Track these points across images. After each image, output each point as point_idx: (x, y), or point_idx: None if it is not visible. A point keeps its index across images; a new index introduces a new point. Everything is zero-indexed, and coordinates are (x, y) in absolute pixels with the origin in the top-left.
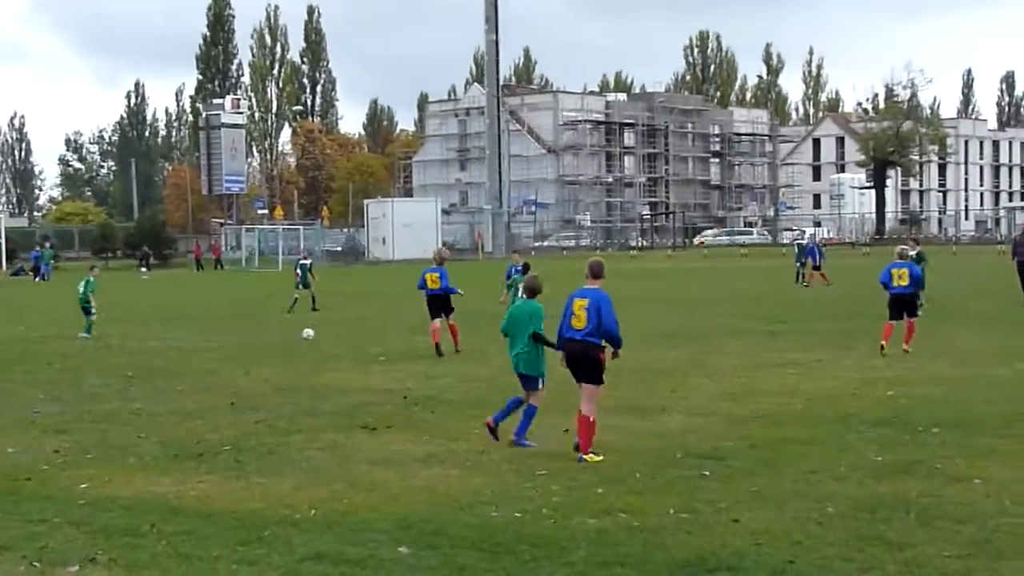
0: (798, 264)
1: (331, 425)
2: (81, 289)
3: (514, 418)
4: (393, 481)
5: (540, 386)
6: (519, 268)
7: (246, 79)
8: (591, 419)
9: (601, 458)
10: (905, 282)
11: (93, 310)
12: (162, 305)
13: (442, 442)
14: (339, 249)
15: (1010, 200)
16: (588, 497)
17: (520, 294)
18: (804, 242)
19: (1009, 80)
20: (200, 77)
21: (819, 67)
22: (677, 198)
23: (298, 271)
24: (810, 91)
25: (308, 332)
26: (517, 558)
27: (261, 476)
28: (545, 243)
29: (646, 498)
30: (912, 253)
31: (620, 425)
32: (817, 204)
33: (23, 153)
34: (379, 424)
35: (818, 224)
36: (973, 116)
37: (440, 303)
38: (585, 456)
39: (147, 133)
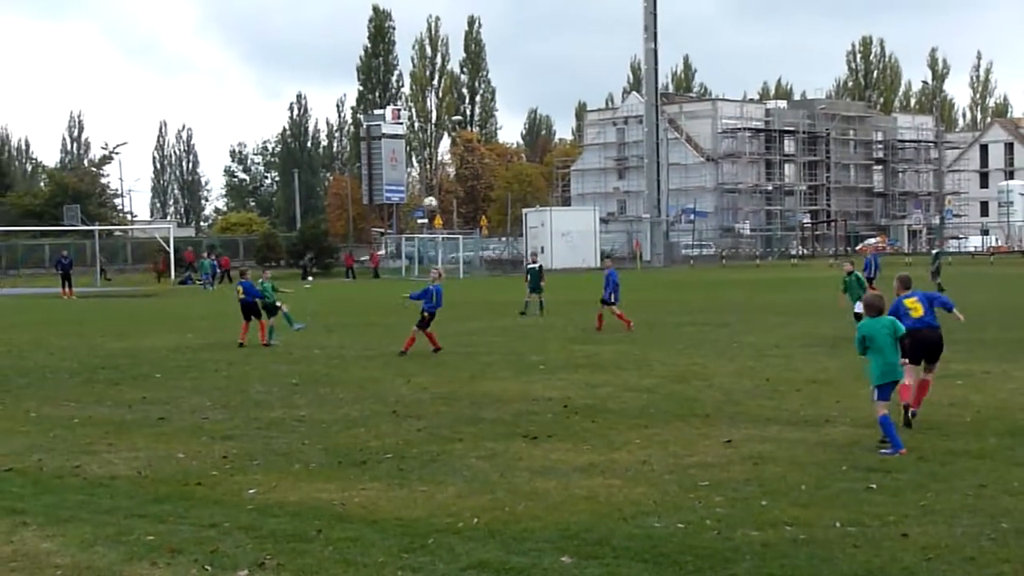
0: (933, 272)
1: (491, 434)
2: (267, 290)
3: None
4: (555, 490)
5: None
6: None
7: (406, 90)
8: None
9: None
10: None
11: (280, 305)
12: (324, 313)
13: (603, 452)
14: (499, 257)
15: None
16: (752, 509)
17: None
18: (936, 251)
19: None
20: (361, 88)
21: (987, 72)
22: (839, 206)
23: (528, 275)
24: (977, 96)
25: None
26: (681, 569)
27: (424, 484)
28: (702, 251)
29: (812, 511)
30: None
31: (784, 436)
32: (985, 212)
33: (190, 164)
34: (540, 433)
35: (985, 232)
36: None
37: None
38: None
39: (309, 144)
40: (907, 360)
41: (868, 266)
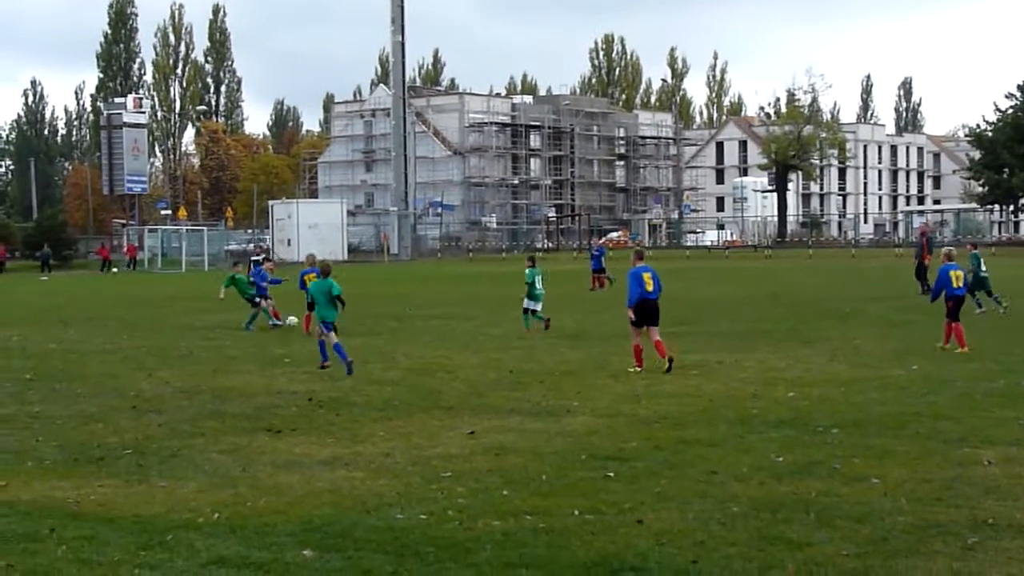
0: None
1: (234, 428)
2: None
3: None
4: (297, 484)
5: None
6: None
7: (148, 78)
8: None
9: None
10: (961, 283)
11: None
12: (62, 307)
13: (347, 445)
14: (243, 249)
15: (907, 204)
16: (493, 499)
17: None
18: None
19: (907, 86)
20: (101, 75)
21: (723, 71)
22: (583, 200)
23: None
24: (713, 95)
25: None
26: (422, 560)
27: (163, 480)
28: (448, 244)
29: (551, 500)
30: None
31: (525, 427)
32: (721, 207)
33: None
34: (283, 427)
35: (721, 227)
36: (872, 121)
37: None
38: (671, 359)
39: (46, 131)
40: (635, 324)
41: (596, 257)
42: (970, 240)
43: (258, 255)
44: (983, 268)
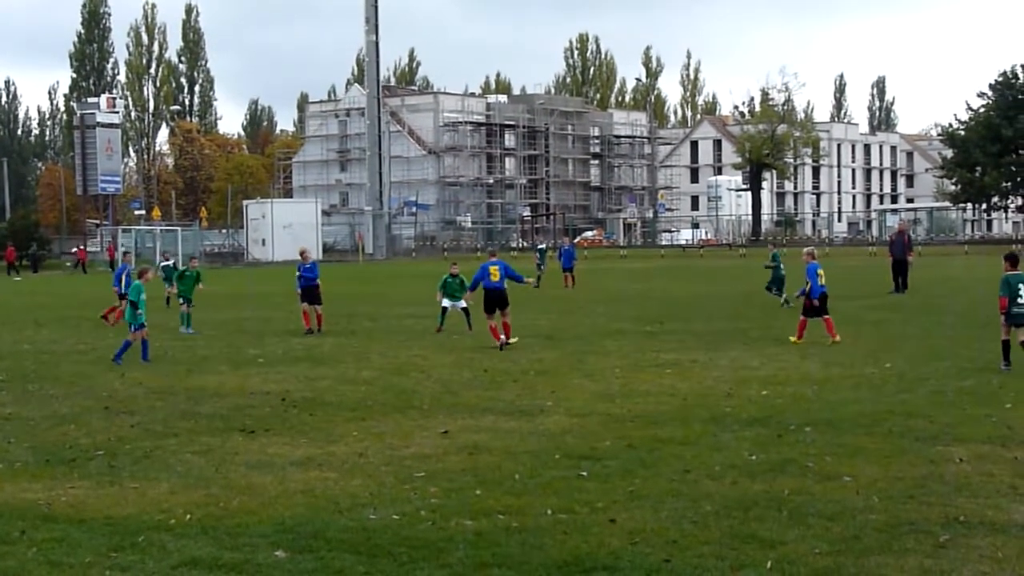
0: (539, 267)
1: (207, 428)
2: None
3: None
4: (270, 484)
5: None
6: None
7: (122, 78)
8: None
9: (516, 339)
10: (823, 281)
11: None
12: (35, 307)
13: (320, 445)
14: (218, 250)
15: (881, 203)
16: (466, 498)
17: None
18: (543, 246)
19: (880, 85)
20: (74, 75)
21: (696, 70)
22: (558, 200)
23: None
24: (688, 94)
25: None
26: (395, 560)
27: (135, 481)
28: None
29: (524, 499)
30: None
31: (499, 426)
32: (695, 206)
33: None
34: (257, 427)
35: (696, 225)
36: (845, 120)
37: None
38: (510, 341)
39: (19, 131)
40: (486, 311)
41: (564, 255)
42: (771, 241)
43: (167, 260)
44: (782, 267)
